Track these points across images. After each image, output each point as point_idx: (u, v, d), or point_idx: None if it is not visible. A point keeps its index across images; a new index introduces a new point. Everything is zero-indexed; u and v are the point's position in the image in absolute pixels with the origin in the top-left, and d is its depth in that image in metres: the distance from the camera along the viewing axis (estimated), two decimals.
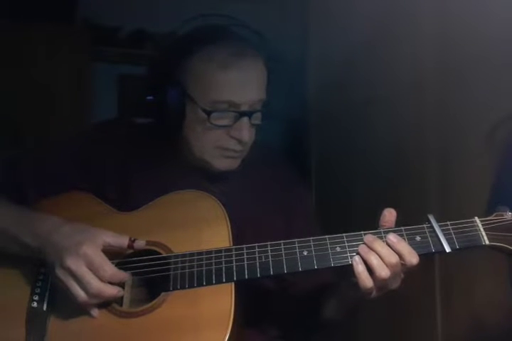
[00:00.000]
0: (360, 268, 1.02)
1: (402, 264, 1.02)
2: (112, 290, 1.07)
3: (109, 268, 1.07)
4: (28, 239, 1.11)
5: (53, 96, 2.73)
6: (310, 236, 1.07)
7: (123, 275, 1.09)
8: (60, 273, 1.07)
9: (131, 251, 1.13)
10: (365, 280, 1.02)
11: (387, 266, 1.01)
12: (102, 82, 3.00)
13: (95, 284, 1.05)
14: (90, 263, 1.06)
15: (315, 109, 2.73)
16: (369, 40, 2.14)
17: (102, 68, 3.02)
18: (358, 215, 2.11)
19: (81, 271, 1.05)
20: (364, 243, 1.04)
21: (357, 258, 1.03)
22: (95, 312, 1.08)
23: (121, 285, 1.10)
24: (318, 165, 2.69)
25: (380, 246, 1.03)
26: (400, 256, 1.02)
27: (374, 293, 1.04)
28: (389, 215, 1.07)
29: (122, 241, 1.09)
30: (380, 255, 1.02)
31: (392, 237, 1.03)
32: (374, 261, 1.02)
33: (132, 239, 1.09)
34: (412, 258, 1.02)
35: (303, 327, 1.28)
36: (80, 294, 1.06)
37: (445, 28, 1.77)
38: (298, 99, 2.75)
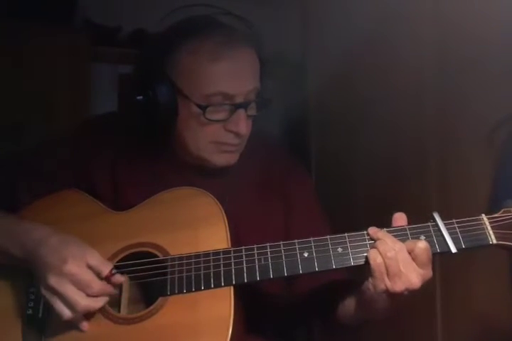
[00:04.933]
0: (378, 259, 0.95)
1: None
2: (99, 303, 1.04)
3: (96, 285, 1.04)
4: (16, 250, 1.09)
5: (53, 97, 2.72)
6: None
7: (110, 289, 1.06)
8: (44, 291, 1.04)
9: (124, 254, 1.11)
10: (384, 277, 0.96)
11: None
12: (102, 82, 2.99)
13: (83, 303, 1.03)
14: (76, 282, 1.03)
15: (315, 109, 2.72)
16: (369, 40, 2.14)
17: (102, 68, 3.01)
18: (359, 215, 2.11)
19: (65, 291, 1.02)
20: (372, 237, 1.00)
21: (372, 251, 0.97)
22: (84, 326, 1.06)
23: (118, 289, 1.08)
24: (318, 165, 2.69)
25: (385, 236, 0.98)
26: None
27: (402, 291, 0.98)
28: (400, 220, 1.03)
29: (103, 269, 1.05)
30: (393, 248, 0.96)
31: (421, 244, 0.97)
32: (389, 253, 0.95)
33: (113, 271, 1.06)
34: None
35: (308, 331, 1.25)
36: (65, 312, 1.03)
37: (444, 30, 1.78)
38: (298, 99, 2.74)
